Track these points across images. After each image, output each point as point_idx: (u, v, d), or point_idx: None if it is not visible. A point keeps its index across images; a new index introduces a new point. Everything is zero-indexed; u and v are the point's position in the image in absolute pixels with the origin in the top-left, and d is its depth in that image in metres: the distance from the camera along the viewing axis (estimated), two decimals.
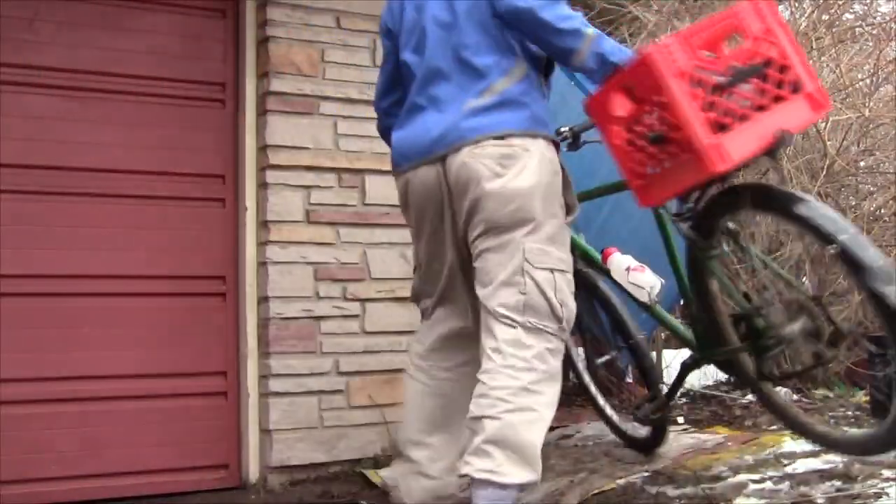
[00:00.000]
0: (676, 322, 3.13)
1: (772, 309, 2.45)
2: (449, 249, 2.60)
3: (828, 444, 2.63)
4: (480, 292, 2.48)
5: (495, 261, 2.45)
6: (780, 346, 2.47)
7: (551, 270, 2.45)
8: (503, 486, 2.26)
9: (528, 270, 2.42)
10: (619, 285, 3.08)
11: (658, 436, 3.26)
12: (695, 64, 2.29)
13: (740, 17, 2.38)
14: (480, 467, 2.28)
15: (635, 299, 3.04)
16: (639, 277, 3.02)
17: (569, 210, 2.56)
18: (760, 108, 2.31)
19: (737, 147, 2.26)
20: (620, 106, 2.44)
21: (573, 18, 2.43)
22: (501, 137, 2.45)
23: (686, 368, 3.05)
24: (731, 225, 2.51)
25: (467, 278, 2.59)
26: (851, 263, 2.16)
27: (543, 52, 2.56)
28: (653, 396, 3.14)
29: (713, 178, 2.37)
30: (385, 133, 2.86)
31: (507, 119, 2.48)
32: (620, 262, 3.08)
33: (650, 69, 2.27)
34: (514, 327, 2.41)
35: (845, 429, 2.90)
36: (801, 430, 2.70)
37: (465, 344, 2.61)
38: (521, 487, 2.31)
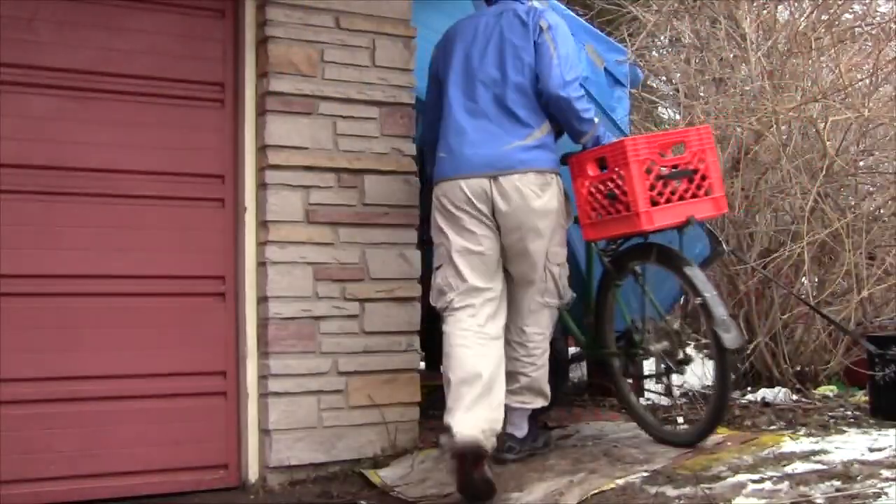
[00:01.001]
0: (573, 323, 3.92)
1: (646, 331, 3.55)
2: (487, 244, 3.47)
3: (662, 438, 3.56)
4: (519, 280, 3.54)
5: (530, 261, 3.49)
6: (645, 356, 3.60)
7: (559, 265, 3.57)
8: (527, 410, 3.60)
9: (549, 268, 3.52)
10: None
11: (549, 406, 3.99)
12: (651, 157, 3.37)
13: (689, 137, 3.50)
14: (517, 401, 3.56)
15: None
16: None
17: (569, 216, 3.62)
18: (681, 199, 3.41)
19: (660, 218, 3.37)
20: (592, 169, 3.54)
21: (590, 110, 3.55)
22: (540, 172, 3.45)
23: (574, 359, 4.39)
24: (637, 268, 3.56)
25: (498, 264, 3.52)
26: (707, 312, 3.28)
27: (562, 126, 3.56)
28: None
29: (637, 234, 3.47)
30: (426, 142, 3.85)
31: (544, 158, 3.48)
32: None
33: (623, 151, 3.36)
34: (539, 306, 3.56)
35: (671, 427, 3.77)
36: (643, 425, 3.67)
37: (499, 312, 3.52)
38: (537, 410, 3.64)
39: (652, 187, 3.34)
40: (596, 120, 3.54)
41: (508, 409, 3.53)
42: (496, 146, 3.45)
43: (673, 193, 3.38)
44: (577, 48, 4.50)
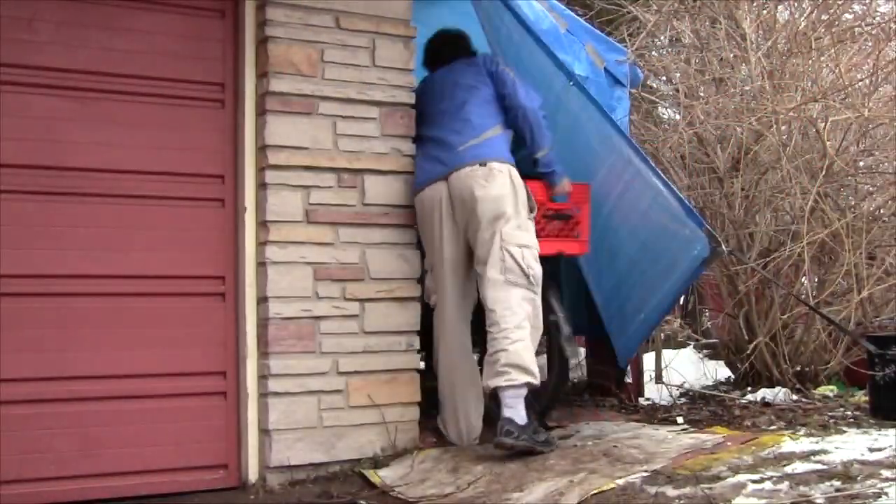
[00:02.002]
0: None
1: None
2: (453, 248, 3.90)
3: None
4: (479, 268, 3.81)
5: (486, 247, 3.78)
6: None
7: (519, 246, 3.78)
8: (517, 387, 3.67)
9: (506, 247, 3.76)
10: None
11: None
12: (544, 200, 4.03)
13: (572, 192, 4.12)
14: (504, 380, 3.67)
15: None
16: None
17: (531, 209, 3.91)
18: (557, 237, 4.11)
19: (541, 248, 3.89)
20: None
21: (548, 131, 4.04)
22: (484, 164, 3.84)
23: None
24: None
25: (465, 269, 3.94)
26: (556, 328, 4.04)
27: (524, 137, 4.01)
28: None
29: None
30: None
31: (487, 151, 3.87)
32: None
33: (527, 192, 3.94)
34: (502, 285, 3.74)
35: None
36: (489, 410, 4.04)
37: (467, 318, 4.00)
38: (526, 386, 3.69)
39: (538, 222, 3.98)
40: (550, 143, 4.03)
41: (500, 392, 3.67)
42: (452, 151, 3.90)
43: (553, 231, 4.09)
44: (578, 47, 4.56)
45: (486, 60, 4.10)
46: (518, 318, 3.69)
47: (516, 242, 3.74)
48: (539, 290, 3.80)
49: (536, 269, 3.77)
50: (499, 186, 3.78)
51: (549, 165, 4.01)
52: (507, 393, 3.64)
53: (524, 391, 3.67)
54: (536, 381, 3.70)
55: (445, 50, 4.27)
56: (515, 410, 3.62)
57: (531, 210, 3.88)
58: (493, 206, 3.75)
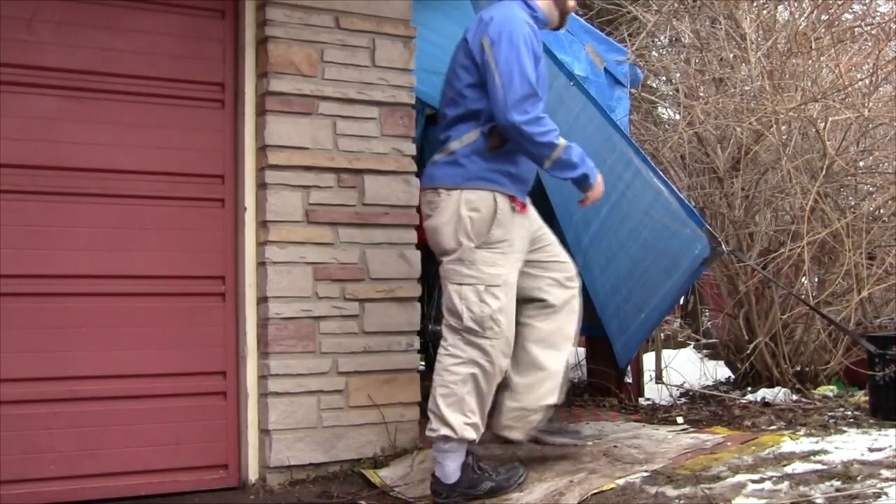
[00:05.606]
0: None
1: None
2: None
3: None
4: None
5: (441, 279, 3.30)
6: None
7: (459, 284, 3.21)
8: (436, 439, 3.28)
9: (445, 286, 3.26)
10: None
11: None
12: None
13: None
14: (427, 429, 3.29)
15: None
16: None
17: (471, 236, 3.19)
18: None
19: None
20: None
21: (550, 133, 3.14)
22: (434, 189, 3.26)
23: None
24: None
25: None
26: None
27: (521, 152, 3.22)
28: None
29: None
30: None
31: (443, 174, 3.25)
32: None
33: None
34: (444, 328, 3.27)
35: None
36: None
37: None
38: (447, 439, 3.25)
39: None
40: (559, 143, 3.15)
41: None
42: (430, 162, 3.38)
43: None
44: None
45: (477, 43, 3.21)
46: (444, 362, 3.23)
47: (451, 280, 3.22)
48: (493, 333, 3.18)
49: (477, 312, 3.16)
50: (438, 216, 3.24)
51: (564, 168, 3.23)
52: (434, 446, 3.27)
53: (453, 444, 3.19)
54: (457, 435, 3.16)
55: None
56: (441, 466, 3.23)
57: (469, 236, 3.18)
58: (435, 239, 3.26)
